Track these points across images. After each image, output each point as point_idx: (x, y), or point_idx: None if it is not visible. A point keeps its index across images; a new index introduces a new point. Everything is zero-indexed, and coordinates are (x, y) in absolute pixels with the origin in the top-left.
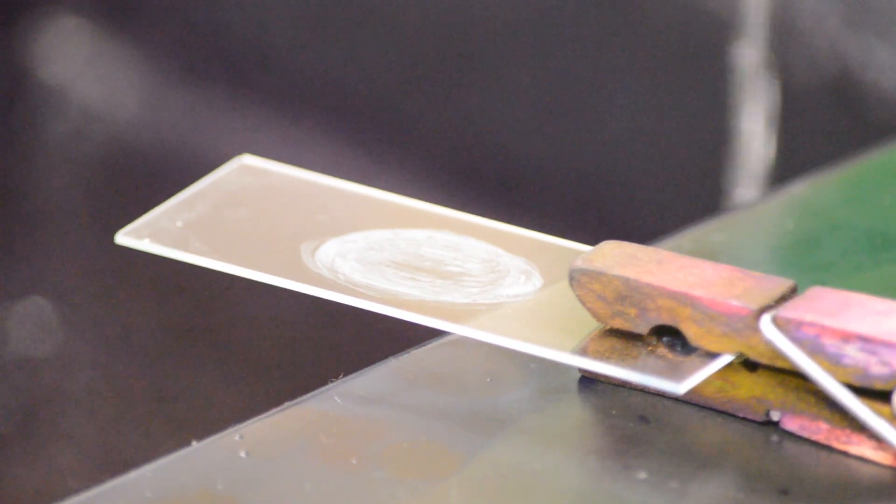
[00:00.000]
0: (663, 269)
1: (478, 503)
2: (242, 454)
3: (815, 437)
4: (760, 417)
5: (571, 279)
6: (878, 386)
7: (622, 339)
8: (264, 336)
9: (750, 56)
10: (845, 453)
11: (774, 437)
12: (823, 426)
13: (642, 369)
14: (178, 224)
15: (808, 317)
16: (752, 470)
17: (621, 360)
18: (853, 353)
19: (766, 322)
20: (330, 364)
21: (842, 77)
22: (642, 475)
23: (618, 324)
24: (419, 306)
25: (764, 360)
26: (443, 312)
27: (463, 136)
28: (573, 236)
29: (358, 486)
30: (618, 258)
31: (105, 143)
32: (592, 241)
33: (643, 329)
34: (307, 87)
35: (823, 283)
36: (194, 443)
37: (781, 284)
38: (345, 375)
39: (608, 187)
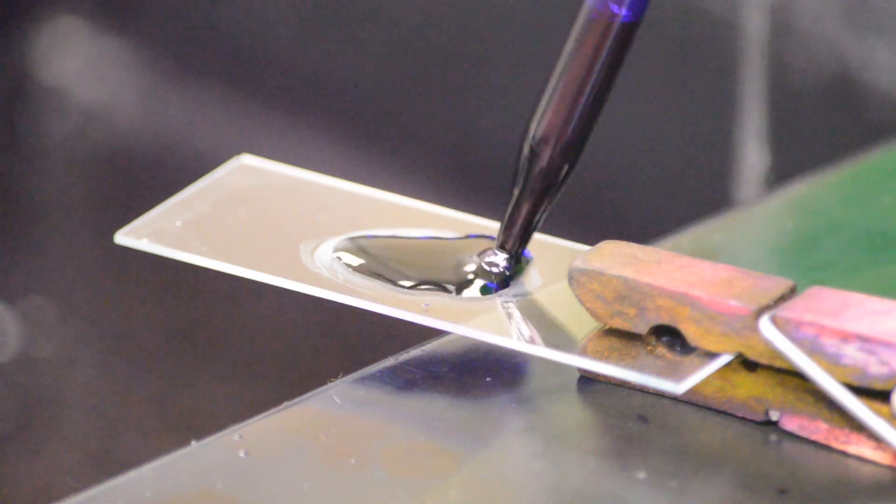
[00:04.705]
0: (662, 269)
1: (477, 503)
2: (242, 454)
3: (814, 437)
4: (759, 417)
5: (570, 279)
6: (877, 386)
7: (621, 338)
8: (264, 336)
9: (749, 55)
10: (844, 453)
11: (773, 437)
12: (822, 426)
13: (641, 369)
14: (178, 224)
15: (807, 317)
16: (751, 469)
17: (620, 359)
18: (852, 353)
19: (765, 322)
20: (330, 364)
21: (842, 77)
22: (642, 475)
23: (617, 323)
24: (419, 306)
25: (763, 360)
26: (443, 312)
27: (463, 136)
28: (573, 236)
29: (357, 486)
30: (617, 258)
31: (105, 143)
32: (592, 241)
33: (642, 329)
34: (307, 87)
35: (823, 283)
36: (194, 442)
37: (780, 284)
38: (344, 375)
39: (608, 187)
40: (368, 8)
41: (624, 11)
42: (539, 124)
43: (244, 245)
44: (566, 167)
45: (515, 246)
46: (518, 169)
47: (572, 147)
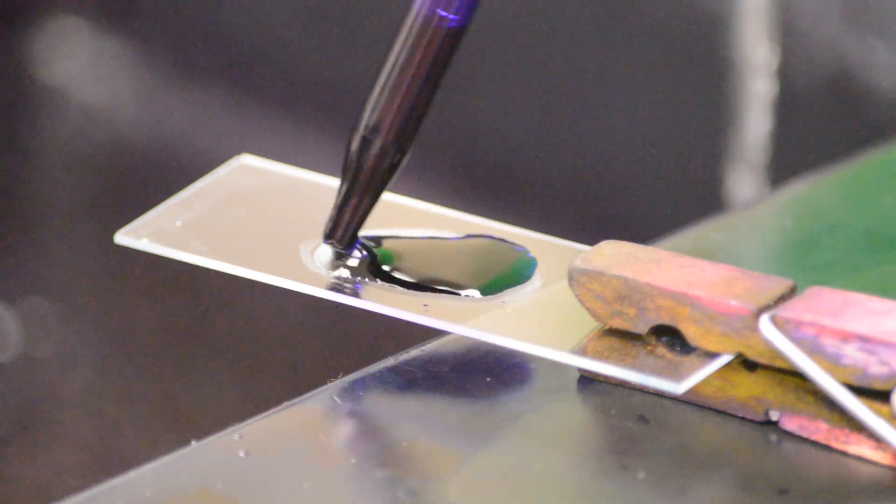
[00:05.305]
0: (662, 269)
1: (477, 503)
2: (242, 454)
3: (814, 437)
4: (760, 417)
5: (570, 279)
6: (877, 386)
7: (621, 338)
8: (264, 336)
9: (749, 55)
10: (844, 453)
11: (773, 437)
12: (822, 426)
13: (641, 369)
14: (178, 224)
15: (808, 317)
16: (752, 469)
17: (620, 359)
18: (852, 353)
19: (765, 322)
20: (330, 364)
21: (842, 77)
22: (642, 475)
23: (617, 323)
24: (419, 306)
25: (763, 360)
26: (443, 312)
27: (463, 136)
28: (573, 236)
29: (357, 486)
30: (617, 258)
31: (105, 143)
32: (592, 241)
33: (642, 329)
34: (307, 87)
35: (823, 283)
36: (194, 442)
37: (780, 284)
38: (344, 375)
39: (608, 187)
40: (368, 8)
41: (450, 16)
42: (371, 115)
43: (244, 245)
44: (395, 156)
45: (346, 236)
46: (348, 161)
47: (401, 136)
